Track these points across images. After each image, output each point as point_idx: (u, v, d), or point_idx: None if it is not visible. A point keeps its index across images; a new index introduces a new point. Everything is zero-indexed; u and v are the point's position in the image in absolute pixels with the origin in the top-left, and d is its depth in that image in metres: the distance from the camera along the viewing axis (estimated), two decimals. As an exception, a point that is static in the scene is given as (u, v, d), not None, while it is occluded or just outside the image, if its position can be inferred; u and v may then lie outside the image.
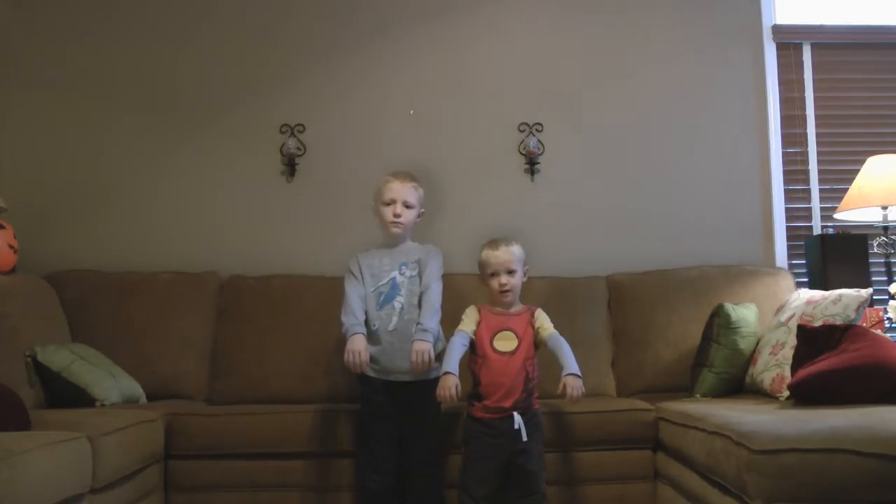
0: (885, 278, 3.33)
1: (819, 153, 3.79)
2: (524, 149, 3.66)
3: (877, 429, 1.85)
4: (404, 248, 2.70)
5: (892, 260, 3.31)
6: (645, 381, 3.18)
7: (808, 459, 1.81)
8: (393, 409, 2.54)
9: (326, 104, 3.68)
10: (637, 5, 3.78)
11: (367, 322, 2.58)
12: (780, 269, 3.52)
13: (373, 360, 2.54)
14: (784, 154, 3.78)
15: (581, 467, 2.66)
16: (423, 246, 2.74)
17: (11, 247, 3.07)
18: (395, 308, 2.59)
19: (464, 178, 3.65)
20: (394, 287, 2.61)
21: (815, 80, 3.82)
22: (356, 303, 2.58)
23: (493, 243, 2.57)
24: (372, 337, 2.56)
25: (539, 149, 3.65)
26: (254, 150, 3.64)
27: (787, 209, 3.75)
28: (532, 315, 2.54)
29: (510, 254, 2.54)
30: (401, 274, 2.63)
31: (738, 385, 2.87)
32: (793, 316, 2.77)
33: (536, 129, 3.69)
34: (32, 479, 1.81)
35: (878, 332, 2.67)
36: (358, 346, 2.49)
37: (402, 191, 2.65)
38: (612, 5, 3.78)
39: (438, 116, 3.69)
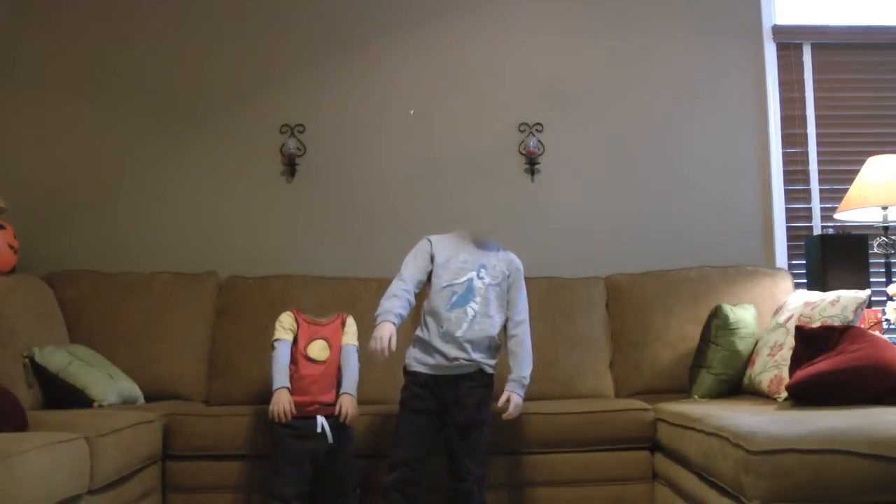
0: (884, 279, 3.32)
1: (819, 153, 3.78)
2: (524, 149, 3.66)
3: (874, 430, 1.85)
4: (489, 251, 2.49)
5: (893, 260, 3.31)
6: (643, 382, 3.18)
7: (806, 460, 1.80)
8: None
9: (326, 104, 3.68)
10: (637, 5, 3.77)
11: (436, 320, 2.38)
12: (779, 269, 3.51)
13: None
14: (784, 154, 3.78)
15: (579, 468, 2.66)
16: (505, 255, 2.52)
17: (11, 247, 3.06)
18: (466, 314, 2.36)
19: (464, 178, 3.64)
20: (469, 290, 2.39)
21: (815, 81, 3.82)
22: (410, 281, 2.41)
23: None
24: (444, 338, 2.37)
25: (539, 149, 3.65)
26: (254, 151, 3.64)
27: (787, 209, 3.75)
28: None
29: None
30: (478, 277, 2.41)
31: (737, 386, 2.86)
32: (791, 317, 2.77)
33: (536, 129, 3.68)
34: (30, 480, 1.81)
35: (877, 333, 2.66)
36: (383, 332, 2.28)
37: None
38: (612, 5, 3.77)
39: (438, 116, 3.69)
